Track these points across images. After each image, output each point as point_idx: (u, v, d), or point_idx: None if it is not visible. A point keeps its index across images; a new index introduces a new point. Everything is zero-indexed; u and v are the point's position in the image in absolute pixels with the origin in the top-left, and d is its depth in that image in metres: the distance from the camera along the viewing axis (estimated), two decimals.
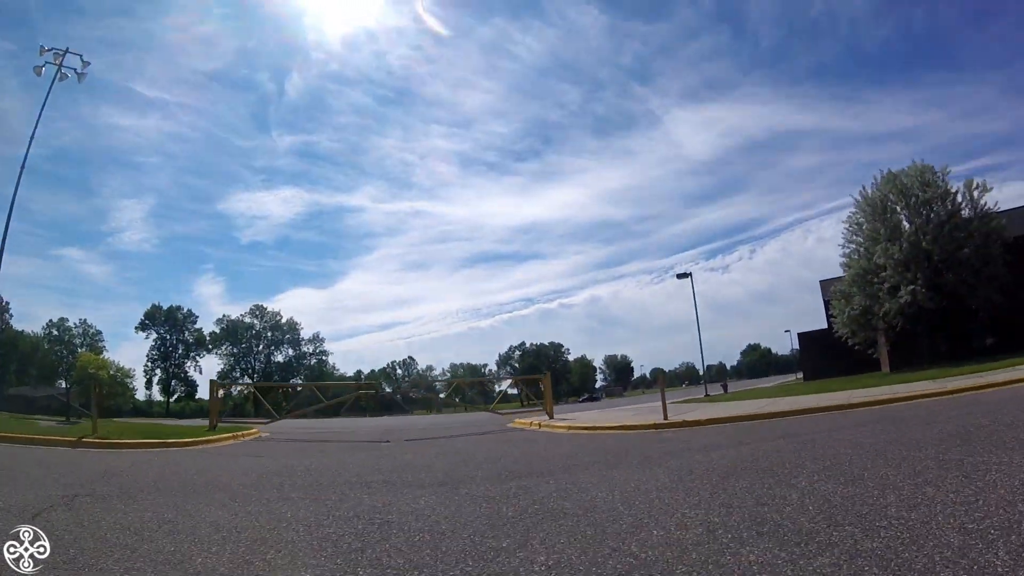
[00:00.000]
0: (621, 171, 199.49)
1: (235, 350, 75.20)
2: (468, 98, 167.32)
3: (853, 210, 27.30)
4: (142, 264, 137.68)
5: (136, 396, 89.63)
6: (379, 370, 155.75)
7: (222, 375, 76.07)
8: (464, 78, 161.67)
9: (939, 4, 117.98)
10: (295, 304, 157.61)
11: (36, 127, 17.48)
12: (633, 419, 12.96)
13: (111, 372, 56.04)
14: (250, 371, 75.40)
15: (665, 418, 11.45)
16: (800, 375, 79.43)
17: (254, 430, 15.35)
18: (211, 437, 12.94)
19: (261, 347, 76.85)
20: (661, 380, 15.53)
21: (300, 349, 78.99)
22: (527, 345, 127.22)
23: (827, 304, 42.40)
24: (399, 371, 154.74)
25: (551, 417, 14.78)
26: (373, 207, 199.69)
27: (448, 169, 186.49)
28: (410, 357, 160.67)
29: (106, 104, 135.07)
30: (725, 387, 27.01)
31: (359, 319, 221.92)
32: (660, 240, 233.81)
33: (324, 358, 79.52)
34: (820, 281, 47.20)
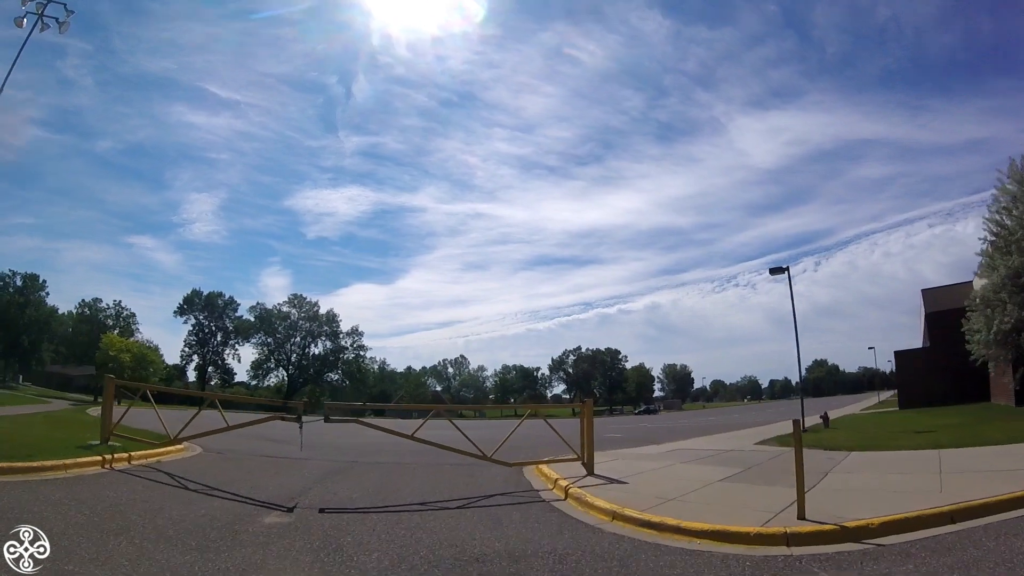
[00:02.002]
0: (684, 178, 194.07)
1: (269, 340, 73.64)
2: (530, 103, 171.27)
3: (996, 191, 20.47)
4: (210, 254, 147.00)
5: (166, 367, 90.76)
6: (430, 368, 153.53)
7: (256, 365, 75.05)
8: (526, 83, 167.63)
9: (1005, 10, 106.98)
10: (357, 299, 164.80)
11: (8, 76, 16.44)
12: (732, 494, 7.70)
13: (135, 354, 54.94)
14: (285, 363, 73.72)
15: (801, 515, 6.08)
16: (880, 396, 70.18)
17: (180, 447, 11.16)
18: (80, 460, 8.97)
19: (298, 338, 74.98)
20: (798, 444, 6.75)
21: (338, 342, 76.58)
22: (583, 350, 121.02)
23: (931, 318, 35.39)
24: (450, 369, 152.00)
25: (589, 472, 9.58)
26: (435, 207, 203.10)
27: (509, 172, 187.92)
28: (462, 356, 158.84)
29: (179, 103, 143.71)
30: (826, 418, 19.81)
31: (418, 316, 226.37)
32: (723, 249, 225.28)
33: (362, 353, 76.98)
34: (922, 290, 40.38)
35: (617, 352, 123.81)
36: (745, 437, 18.11)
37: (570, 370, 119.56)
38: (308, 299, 78.04)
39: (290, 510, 7.10)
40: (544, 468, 10.34)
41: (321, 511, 7.23)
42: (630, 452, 14.77)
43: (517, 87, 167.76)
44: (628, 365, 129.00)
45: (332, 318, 77.94)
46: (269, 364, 76.25)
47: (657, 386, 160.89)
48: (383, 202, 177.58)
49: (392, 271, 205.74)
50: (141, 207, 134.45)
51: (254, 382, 79.49)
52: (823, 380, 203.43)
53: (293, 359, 75.68)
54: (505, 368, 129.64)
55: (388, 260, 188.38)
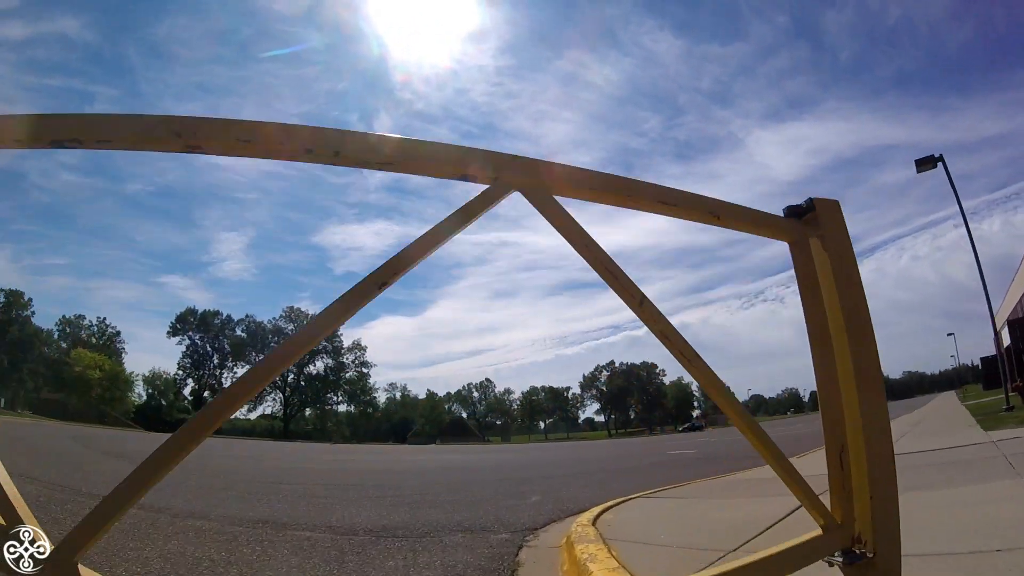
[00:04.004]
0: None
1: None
2: (549, 130, 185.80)
3: None
4: (241, 292, 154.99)
5: (142, 399, 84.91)
6: (454, 392, 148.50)
7: None
8: (545, 110, 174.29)
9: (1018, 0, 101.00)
10: (386, 331, 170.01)
11: None
12: None
13: (106, 372, 49.04)
14: (281, 384, 67.32)
15: None
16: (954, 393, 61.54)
17: None
18: None
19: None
20: None
21: (339, 359, 70.11)
22: (617, 365, 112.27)
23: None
24: (475, 394, 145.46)
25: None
26: (461, 238, 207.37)
27: None
28: (487, 379, 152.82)
29: None
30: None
31: (447, 346, 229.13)
32: (749, 264, 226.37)
33: (366, 371, 70.22)
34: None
35: (654, 366, 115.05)
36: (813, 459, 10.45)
37: (603, 388, 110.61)
38: (304, 311, 72.15)
39: None
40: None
41: None
42: (667, 497, 7.19)
43: (536, 115, 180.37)
44: (666, 380, 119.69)
45: (332, 333, 71.73)
46: (265, 387, 69.97)
47: (694, 402, 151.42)
48: (409, 235, 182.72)
49: (420, 302, 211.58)
50: (172, 246, 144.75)
51: (248, 407, 73.52)
52: None
53: (290, 380, 69.32)
54: (533, 390, 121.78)
55: (415, 292, 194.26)
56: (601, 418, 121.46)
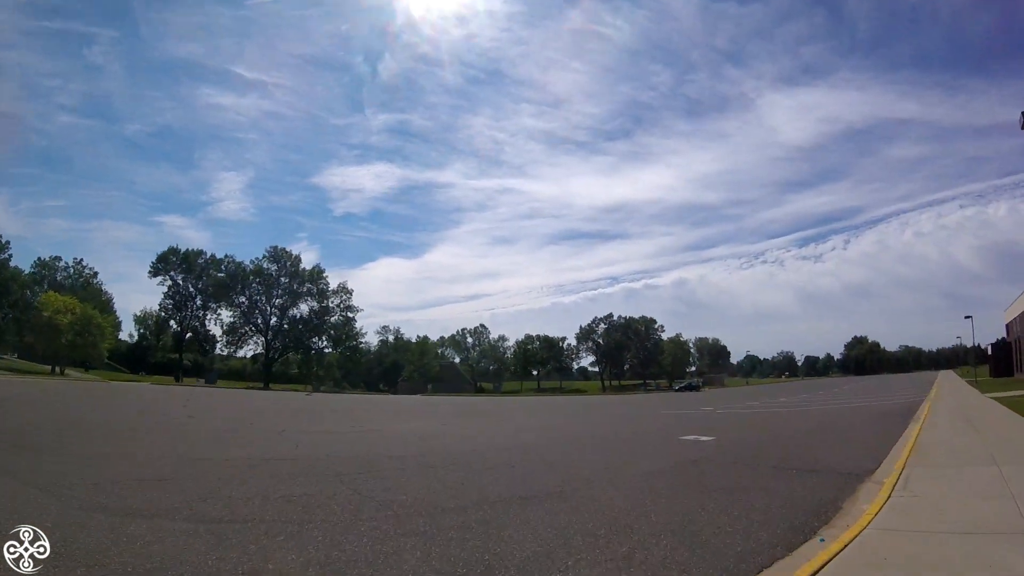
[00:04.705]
0: (713, 154, 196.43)
1: (243, 300, 64.56)
2: (558, 78, 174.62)
3: None
4: (239, 231, 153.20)
5: (127, 340, 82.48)
6: (448, 337, 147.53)
7: (230, 330, 66.30)
8: (554, 59, 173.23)
9: None
10: (384, 273, 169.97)
11: None
12: None
13: (77, 315, 46.02)
14: (263, 327, 64.71)
15: None
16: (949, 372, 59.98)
17: None
18: None
19: (277, 300, 65.77)
20: None
21: (325, 303, 67.22)
22: (615, 318, 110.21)
23: None
24: (469, 339, 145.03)
25: None
26: (463, 183, 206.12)
27: (537, 147, 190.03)
28: (482, 326, 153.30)
29: (206, 85, 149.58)
30: None
31: (446, 290, 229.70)
32: (751, 225, 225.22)
33: (351, 315, 67.59)
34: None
35: (653, 322, 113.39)
36: None
37: (600, 340, 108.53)
38: (288, 251, 68.57)
39: None
40: None
41: None
42: None
43: (545, 63, 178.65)
44: (664, 336, 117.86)
45: (318, 274, 68.75)
46: (245, 329, 67.39)
47: (691, 360, 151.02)
48: (410, 178, 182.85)
49: (419, 245, 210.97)
50: (170, 187, 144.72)
51: (228, 350, 71.28)
52: (865, 358, 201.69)
53: (272, 322, 66.65)
54: (528, 338, 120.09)
55: (415, 235, 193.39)
56: (595, 368, 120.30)
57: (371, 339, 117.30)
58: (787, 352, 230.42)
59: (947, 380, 72.06)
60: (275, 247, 68.51)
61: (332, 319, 69.42)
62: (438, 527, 5.29)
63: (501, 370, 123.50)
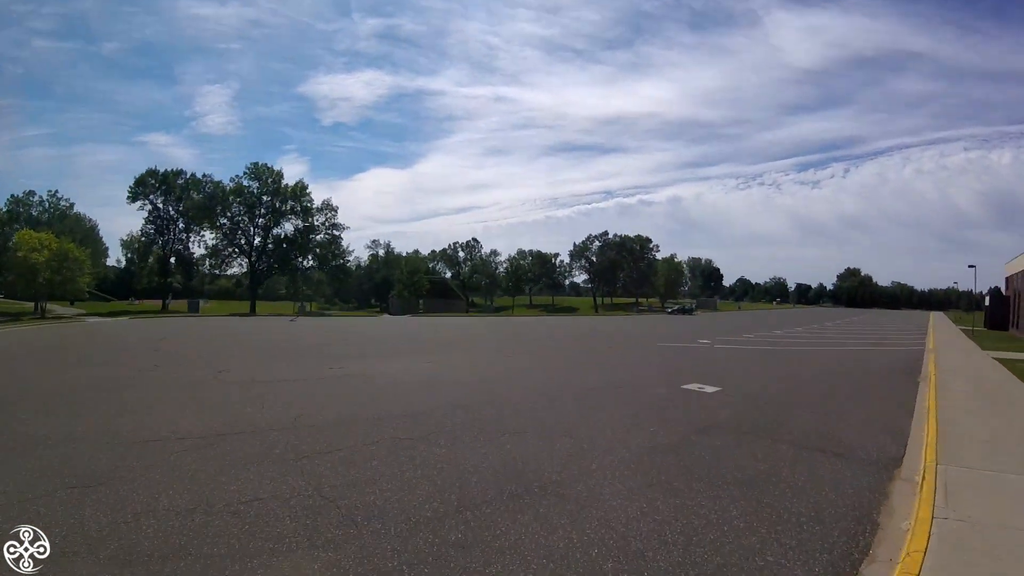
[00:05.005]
0: (716, 70, 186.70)
1: (224, 221, 62.47)
2: None
3: None
4: (226, 146, 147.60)
5: (116, 266, 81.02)
6: (439, 252, 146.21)
7: (212, 252, 64.67)
8: None
9: None
10: (375, 184, 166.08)
11: None
12: None
13: (53, 251, 44.47)
14: (247, 248, 63.14)
15: None
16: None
17: None
18: None
19: (260, 218, 63.68)
20: None
21: (310, 220, 65.32)
22: (609, 236, 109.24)
23: None
24: (461, 254, 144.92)
25: None
26: (454, 91, 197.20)
27: (533, 54, 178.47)
28: (474, 239, 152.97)
29: None
30: None
31: (438, 201, 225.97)
32: (751, 146, 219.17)
33: (337, 233, 66.02)
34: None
35: (648, 240, 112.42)
36: None
37: (594, 258, 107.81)
38: (270, 167, 65.68)
39: None
40: None
41: None
42: None
43: None
44: (659, 255, 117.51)
45: (301, 191, 66.30)
46: (229, 251, 65.77)
47: (684, 282, 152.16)
48: (400, 86, 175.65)
49: (410, 155, 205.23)
50: (153, 104, 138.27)
51: (214, 271, 70.02)
52: (857, 291, 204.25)
53: (256, 243, 64.96)
54: (520, 253, 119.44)
55: (406, 144, 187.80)
56: (588, 284, 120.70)
57: (361, 253, 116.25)
58: (779, 278, 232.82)
59: (942, 325, 72.73)
60: (256, 163, 65.64)
61: (318, 237, 67.67)
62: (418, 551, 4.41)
63: (493, 285, 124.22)
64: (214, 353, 22.07)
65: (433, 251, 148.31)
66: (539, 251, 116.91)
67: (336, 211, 67.28)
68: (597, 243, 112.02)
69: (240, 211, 64.05)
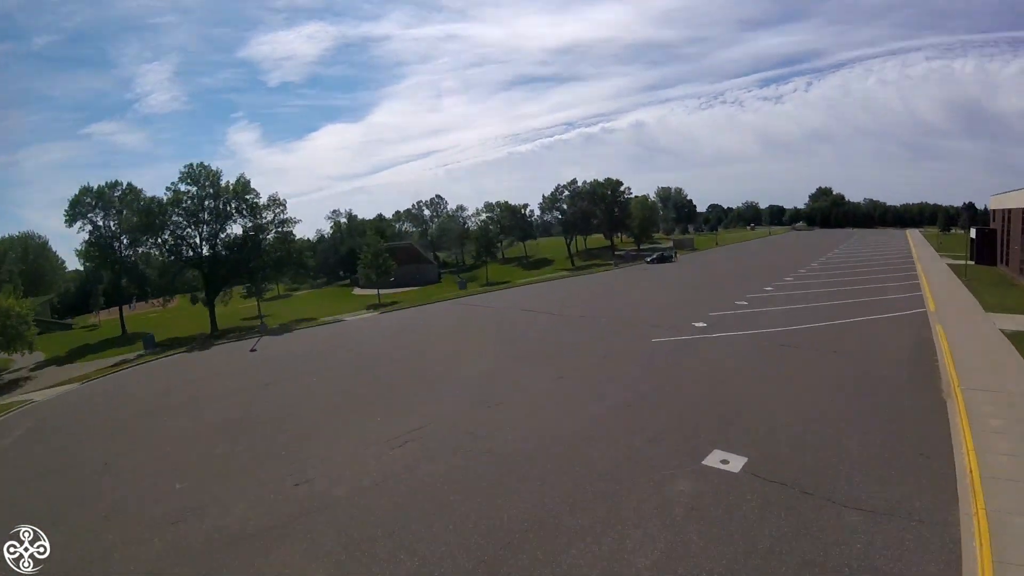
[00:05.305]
0: None
1: (166, 237, 57.90)
2: None
3: None
4: (174, 124, 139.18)
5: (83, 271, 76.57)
6: (404, 212, 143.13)
7: (161, 272, 60.23)
8: None
9: None
10: (330, 142, 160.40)
11: None
12: None
13: None
14: (196, 258, 58.76)
15: None
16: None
17: None
18: None
19: (205, 225, 59.02)
20: None
21: (258, 219, 60.86)
22: (579, 184, 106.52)
23: None
24: (426, 211, 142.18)
25: None
26: (402, 34, 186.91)
27: None
28: (438, 196, 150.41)
29: None
30: None
31: (396, 150, 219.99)
32: (711, 65, 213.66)
33: (289, 228, 62.01)
34: None
35: (619, 184, 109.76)
36: None
37: (565, 206, 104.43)
38: (207, 167, 60.37)
39: None
40: None
41: None
42: None
43: None
44: (630, 196, 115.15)
45: (244, 188, 61.30)
46: (177, 267, 61.24)
47: (659, 222, 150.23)
48: (344, 35, 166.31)
49: (363, 107, 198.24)
50: (93, 93, 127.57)
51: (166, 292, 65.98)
52: (831, 211, 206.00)
53: (206, 252, 60.31)
54: (488, 206, 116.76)
55: (358, 95, 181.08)
56: (563, 236, 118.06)
57: (323, 225, 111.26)
58: (752, 202, 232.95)
59: (924, 253, 71.52)
60: (190, 165, 60.24)
61: (269, 237, 63.16)
62: None
63: (462, 244, 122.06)
64: (133, 430, 18.99)
65: (397, 212, 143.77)
66: (507, 203, 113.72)
67: (284, 205, 62.99)
68: (567, 192, 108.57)
69: (182, 222, 59.23)
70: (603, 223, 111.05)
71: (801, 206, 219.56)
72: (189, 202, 59.64)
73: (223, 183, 60.81)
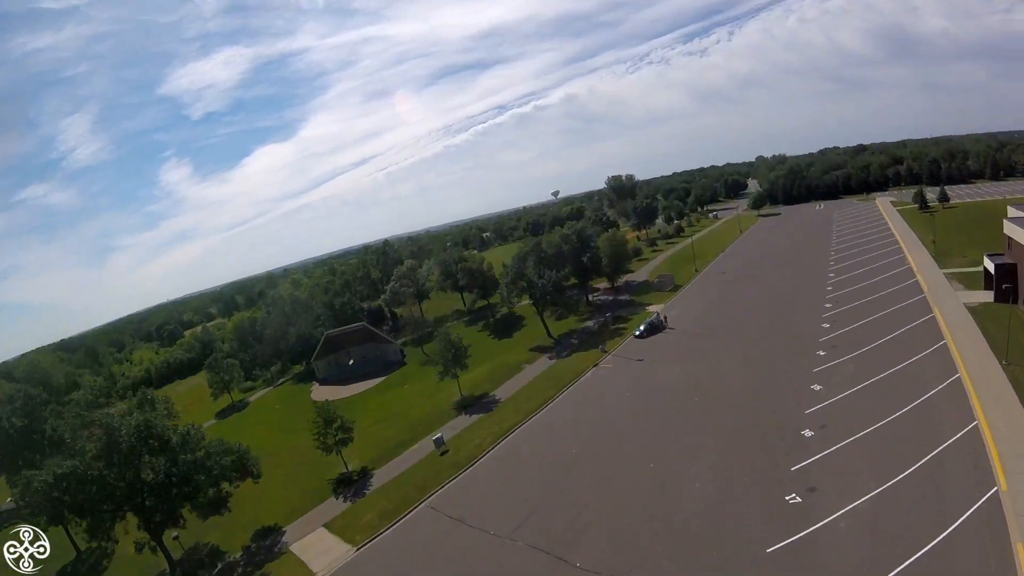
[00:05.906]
0: None
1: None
2: None
3: None
4: (102, 174, 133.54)
5: None
6: (356, 260, 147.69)
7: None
8: None
9: None
10: (265, 164, 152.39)
11: None
12: None
13: None
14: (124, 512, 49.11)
15: None
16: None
17: None
18: None
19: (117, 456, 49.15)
20: None
21: (176, 456, 49.92)
22: (543, 247, 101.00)
23: None
24: (375, 274, 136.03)
25: None
26: (318, 44, 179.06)
27: None
28: (385, 241, 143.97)
29: (17, 34, 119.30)
30: None
31: (332, 161, 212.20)
32: (632, 28, 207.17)
33: (188, 429, 51.85)
34: None
35: (584, 230, 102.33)
36: None
37: (532, 279, 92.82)
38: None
39: None
40: None
41: None
42: None
43: None
44: (598, 237, 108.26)
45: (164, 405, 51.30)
46: (107, 526, 51.42)
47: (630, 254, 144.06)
48: (261, 55, 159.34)
49: (291, 124, 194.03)
50: (19, 158, 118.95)
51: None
52: (792, 185, 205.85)
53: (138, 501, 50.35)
54: (444, 262, 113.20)
55: (284, 113, 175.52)
56: (532, 305, 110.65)
57: (273, 253, 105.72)
58: (705, 170, 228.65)
59: (920, 259, 63.20)
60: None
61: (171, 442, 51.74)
62: None
63: (421, 294, 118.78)
64: None
65: (345, 281, 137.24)
66: (462, 253, 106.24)
67: (171, 402, 52.69)
68: (531, 258, 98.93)
69: (92, 492, 49.16)
70: (578, 274, 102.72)
71: (752, 158, 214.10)
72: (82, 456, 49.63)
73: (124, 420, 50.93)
